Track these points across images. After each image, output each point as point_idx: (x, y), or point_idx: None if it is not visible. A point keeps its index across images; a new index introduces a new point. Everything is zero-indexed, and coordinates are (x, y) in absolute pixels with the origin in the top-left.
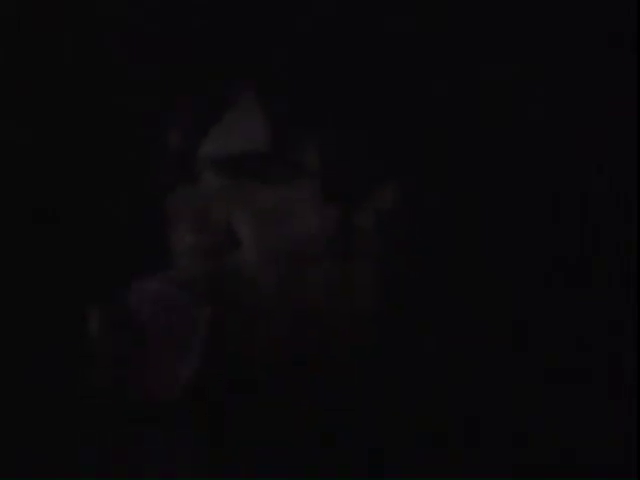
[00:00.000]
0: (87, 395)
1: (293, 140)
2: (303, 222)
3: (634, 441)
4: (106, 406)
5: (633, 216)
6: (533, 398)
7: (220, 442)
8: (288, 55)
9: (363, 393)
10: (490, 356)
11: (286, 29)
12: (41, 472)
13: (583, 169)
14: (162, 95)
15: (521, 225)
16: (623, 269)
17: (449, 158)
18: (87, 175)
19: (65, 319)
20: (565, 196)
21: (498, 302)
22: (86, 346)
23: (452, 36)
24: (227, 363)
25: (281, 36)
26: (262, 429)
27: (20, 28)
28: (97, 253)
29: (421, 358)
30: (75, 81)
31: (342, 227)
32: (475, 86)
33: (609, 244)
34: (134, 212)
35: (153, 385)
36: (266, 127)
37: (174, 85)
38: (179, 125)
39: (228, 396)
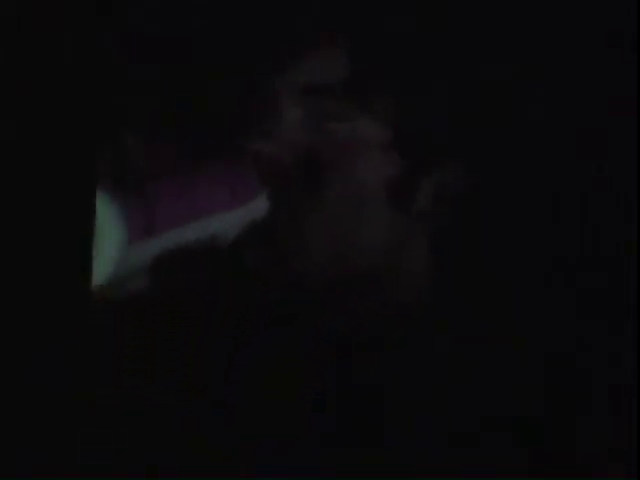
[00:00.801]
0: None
1: (370, 80)
2: (368, 164)
3: (634, 441)
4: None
5: (633, 216)
6: (532, 398)
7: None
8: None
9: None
10: (489, 356)
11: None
12: (41, 472)
13: (583, 169)
14: (162, 95)
15: (521, 225)
16: (623, 269)
17: (450, 158)
18: None
19: None
20: (565, 196)
21: (497, 302)
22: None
23: (452, 36)
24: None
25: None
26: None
27: (20, 28)
28: None
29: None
30: (75, 81)
31: (403, 184)
32: (475, 86)
33: (609, 244)
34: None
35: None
36: (344, 63)
37: (174, 85)
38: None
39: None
